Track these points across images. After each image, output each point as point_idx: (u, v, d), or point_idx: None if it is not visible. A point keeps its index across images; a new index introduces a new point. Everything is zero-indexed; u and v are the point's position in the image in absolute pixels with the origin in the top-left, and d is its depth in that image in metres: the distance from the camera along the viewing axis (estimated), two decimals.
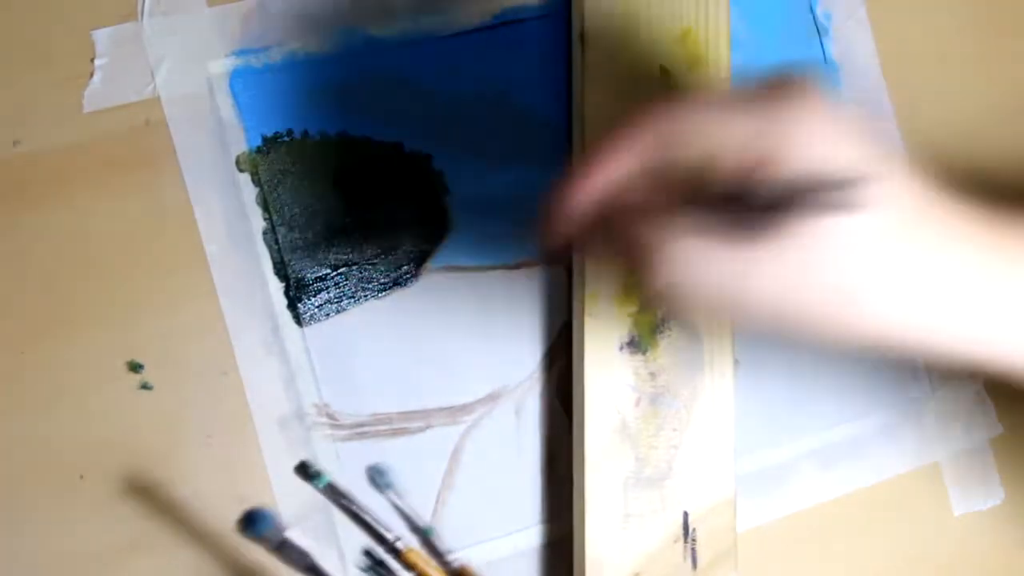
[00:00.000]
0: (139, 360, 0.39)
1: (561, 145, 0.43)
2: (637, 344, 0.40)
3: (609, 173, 0.30)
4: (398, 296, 0.41)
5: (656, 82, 0.41)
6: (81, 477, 0.38)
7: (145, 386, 0.39)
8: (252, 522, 0.29)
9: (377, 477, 0.33)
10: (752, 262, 0.28)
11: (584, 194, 0.31)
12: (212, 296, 0.40)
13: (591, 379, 0.40)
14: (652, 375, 0.41)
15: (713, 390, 0.41)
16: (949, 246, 0.29)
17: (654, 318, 0.41)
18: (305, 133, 0.41)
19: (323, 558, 0.39)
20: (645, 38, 0.41)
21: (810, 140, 0.28)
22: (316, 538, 0.40)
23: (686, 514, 0.41)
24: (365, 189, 0.41)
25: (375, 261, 0.41)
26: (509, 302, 0.42)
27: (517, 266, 0.42)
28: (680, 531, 0.41)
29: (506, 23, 0.43)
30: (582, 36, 0.41)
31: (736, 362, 0.42)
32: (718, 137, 0.28)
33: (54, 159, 0.39)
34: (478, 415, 0.42)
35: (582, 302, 0.40)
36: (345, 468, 0.40)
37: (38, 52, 0.39)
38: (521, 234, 0.40)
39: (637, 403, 0.40)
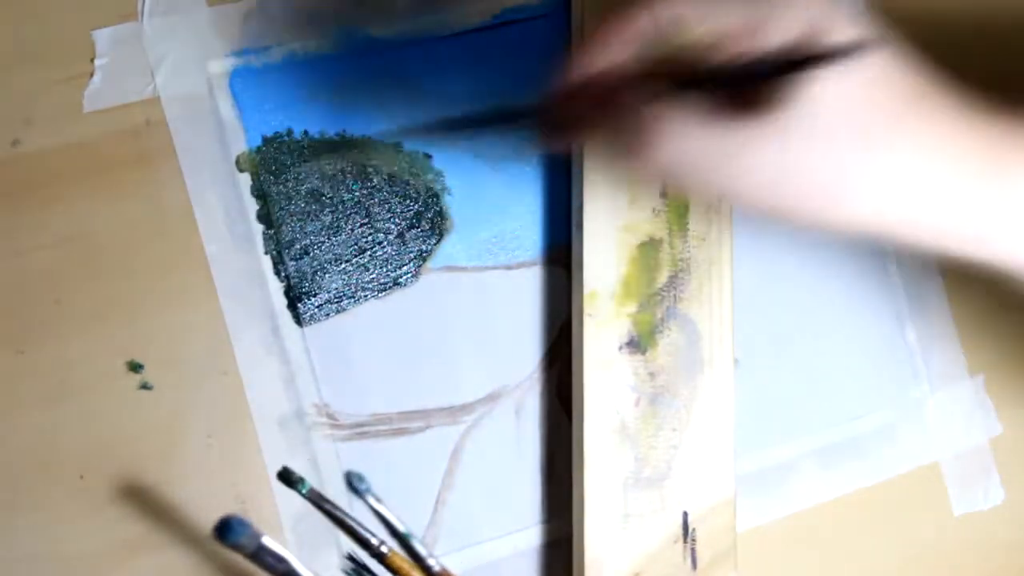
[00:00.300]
0: (139, 360, 0.39)
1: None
2: (636, 344, 0.40)
3: (609, 54, 0.31)
4: (398, 296, 0.41)
5: None
6: (81, 477, 0.38)
7: (145, 386, 0.39)
8: (226, 530, 0.29)
9: (356, 482, 0.33)
10: (745, 141, 0.28)
11: (584, 75, 0.31)
12: (212, 296, 0.40)
13: (590, 379, 0.40)
14: (651, 375, 0.41)
15: (713, 389, 0.41)
16: (937, 140, 0.29)
17: (653, 318, 0.41)
18: (305, 133, 0.41)
19: (323, 558, 0.40)
20: None
21: (807, 8, 0.28)
22: (315, 538, 0.40)
23: (686, 514, 0.41)
24: (365, 189, 0.41)
25: (375, 261, 0.41)
26: (509, 302, 0.42)
27: (517, 266, 0.42)
28: (680, 531, 0.40)
29: (506, 23, 0.43)
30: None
31: (736, 361, 0.42)
32: (714, 13, 0.29)
33: (54, 159, 0.39)
34: (478, 415, 0.42)
35: (581, 302, 0.40)
36: (345, 468, 0.40)
37: (38, 52, 0.39)
38: (524, 127, 0.39)
39: (637, 403, 0.40)
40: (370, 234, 0.41)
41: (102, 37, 0.39)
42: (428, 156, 0.42)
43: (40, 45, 0.39)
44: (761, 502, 0.44)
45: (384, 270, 0.41)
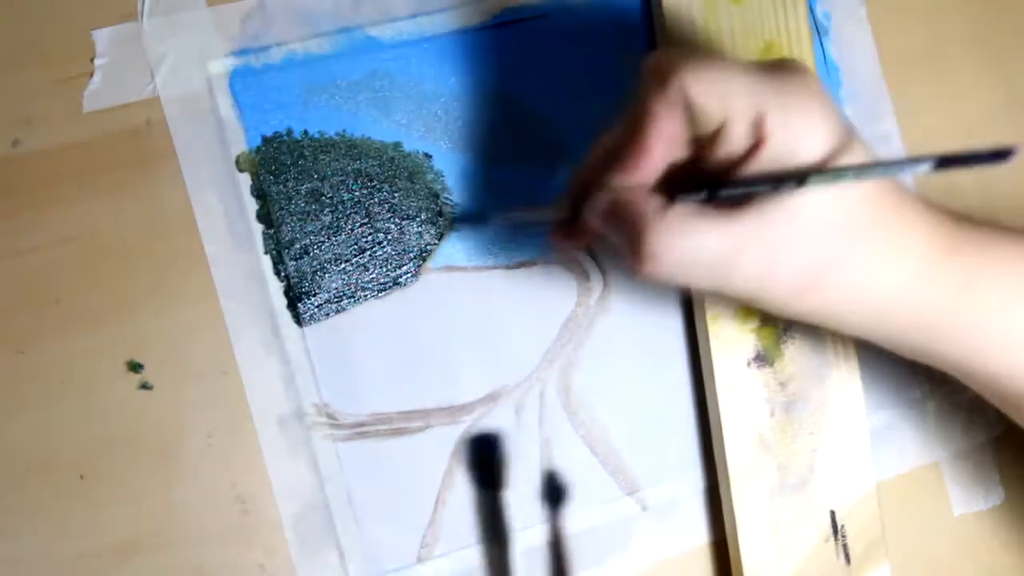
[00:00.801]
0: (139, 360, 0.39)
1: (561, 145, 0.43)
2: (763, 358, 0.41)
3: (642, 163, 0.31)
4: (398, 296, 0.41)
5: None
6: (81, 477, 0.38)
7: (145, 386, 0.39)
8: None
9: None
10: (738, 239, 0.29)
11: (644, 172, 0.31)
12: (212, 296, 0.40)
13: (724, 399, 0.41)
14: (782, 385, 0.42)
15: (841, 388, 0.42)
16: (912, 248, 0.31)
17: (777, 329, 0.42)
18: (305, 133, 0.41)
19: (323, 558, 0.40)
20: (728, 55, 0.41)
21: (809, 114, 0.29)
22: (315, 538, 0.40)
23: (833, 513, 0.42)
24: (365, 189, 0.41)
25: (375, 261, 0.41)
26: (509, 302, 0.42)
27: (517, 266, 0.42)
28: (829, 530, 0.42)
29: (506, 23, 0.43)
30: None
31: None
32: (724, 98, 0.29)
33: (54, 159, 0.39)
34: (478, 415, 0.42)
35: (706, 326, 0.41)
36: (345, 468, 0.40)
37: (38, 52, 0.39)
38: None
39: (771, 414, 0.41)
40: (370, 234, 0.41)
41: (102, 37, 0.39)
42: (428, 156, 0.42)
43: (40, 45, 0.39)
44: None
45: (384, 270, 0.41)
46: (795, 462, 0.41)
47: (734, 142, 0.30)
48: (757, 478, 0.41)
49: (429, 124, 0.42)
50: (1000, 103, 0.47)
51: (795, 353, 0.42)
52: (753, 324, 0.41)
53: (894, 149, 0.46)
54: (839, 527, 0.42)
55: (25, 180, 0.39)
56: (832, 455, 0.42)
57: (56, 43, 0.39)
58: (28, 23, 0.39)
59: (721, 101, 0.29)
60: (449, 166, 0.42)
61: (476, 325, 0.42)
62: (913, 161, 0.27)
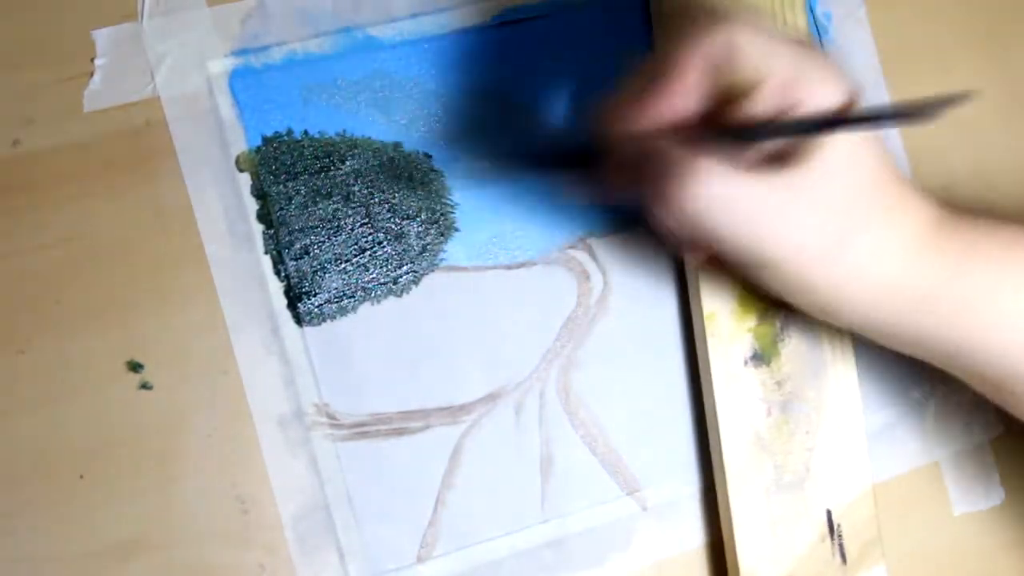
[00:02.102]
0: (139, 360, 0.39)
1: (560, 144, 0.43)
2: (760, 357, 0.41)
3: (674, 94, 0.32)
4: (398, 296, 0.41)
5: None
6: (81, 477, 0.38)
7: (145, 386, 0.39)
8: None
9: None
10: (774, 194, 0.30)
11: (673, 111, 0.32)
12: (212, 296, 0.40)
13: (721, 398, 0.41)
14: (778, 384, 0.42)
15: (838, 387, 0.42)
16: (904, 228, 0.33)
17: (774, 328, 0.42)
18: (305, 133, 0.41)
19: (323, 558, 0.40)
20: None
21: (834, 85, 0.31)
22: (315, 538, 0.40)
23: (829, 512, 0.42)
24: (365, 189, 0.41)
25: (375, 261, 0.41)
26: (509, 302, 0.42)
27: (517, 266, 0.42)
28: (825, 529, 0.42)
29: (506, 23, 0.43)
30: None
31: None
32: (767, 58, 0.31)
33: (54, 159, 0.39)
34: (478, 415, 0.42)
35: (703, 324, 0.41)
36: (345, 468, 0.40)
37: (38, 52, 0.39)
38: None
39: (768, 413, 0.41)
40: (370, 234, 0.41)
41: (102, 37, 0.39)
42: (428, 156, 0.42)
43: (40, 45, 0.39)
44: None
45: (384, 270, 0.41)
46: (792, 461, 0.41)
47: (766, 101, 0.31)
48: (753, 477, 0.41)
49: (429, 124, 0.42)
50: (1000, 103, 0.47)
51: (792, 352, 0.42)
52: (750, 323, 0.41)
53: (894, 148, 0.46)
54: (835, 526, 0.42)
55: (25, 180, 0.39)
56: (828, 455, 0.42)
57: (56, 43, 0.39)
58: (28, 23, 0.39)
59: (764, 61, 0.31)
60: (449, 166, 0.42)
61: (476, 325, 0.42)
62: (929, 105, 0.28)
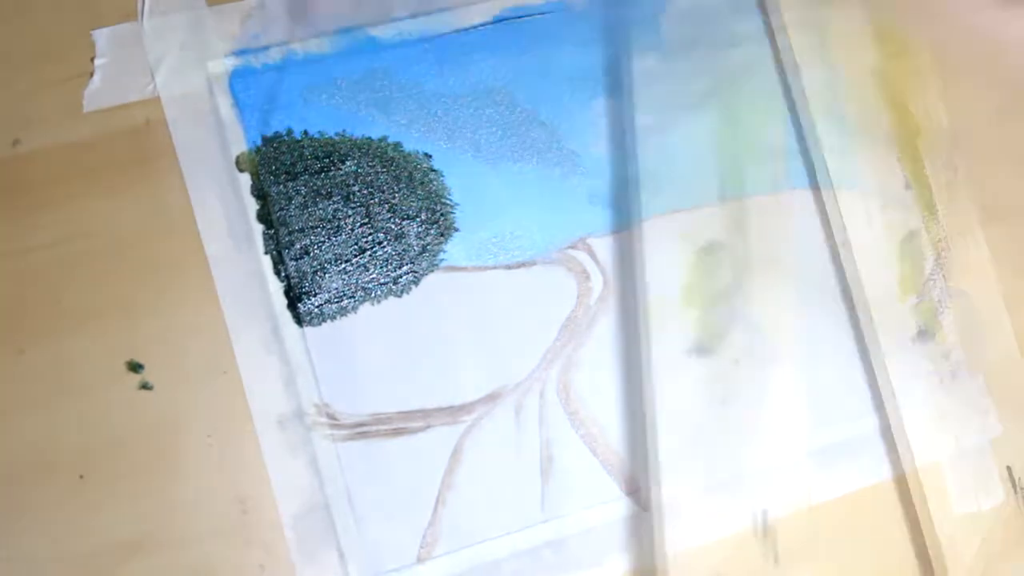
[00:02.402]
0: (139, 360, 0.39)
1: (560, 144, 0.43)
2: (925, 332, 0.43)
3: None
4: (398, 296, 0.41)
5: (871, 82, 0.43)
6: (81, 477, 0.38)
7: (145, 386, 0.39)
8: None
9: None
10: None
11: None
12: (212, 296, 0.40)
13: (897, 379, 0.43)
14: (945, 355, 0.44)
15: (998, 345, 0.44)
16: None
17: (932, 303, 0.43)
18: (305, 133, 0.41)
19: (323, 558, 0.40)
20: (849, 47, 0.43)
21: None
22: (315, 538, 0.40)
23: (1009, 468, 0.44)
24: (365, 189, 0.41)
25: (375, 261, 0.41)
26: (509, 302, 0.42)
27: (517, 266, 0.42)
28: (1009, 485, 0.44)
29: (506, 19, 0.43)
30: (796, 68, 0.43)
31: (736, 362, 0.42)
32: None
33: (54, 159, 0.39)
34: (478, 415, 0.42)
35: (869, 313, 0.43)
36: (345, 468, 0.40)
37: (38, 52, 0.39)
38: None
39: (941, 383, 0.43)
40: (370, 234, 0.41)
41: (102, 37, 0.39)
42: (428, 156, 0.42)
43: (40, 45, 0.39)
44: (761, 502, 0.44)
45: (384, 270, 0.41)
46: (969, 427, 0.44)
47: None
48: (938, 451, 0.43)
49: (429, 124, 0.42)
50: (1000, 102, 0.47)
51: (953, 323, 0.44)
52: (912, 301, 0.43)
53: None
54: (1017, 481, 0.44)
55: (25, 180, 0.39)
56: (1000, 413, 0.44)
57: (56, 43, 0.39)
58: (28, 23, 0.39)
59: None
60: (449, 166, 0.42)
61: (476, 325, 0.42)
62: None
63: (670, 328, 0.41)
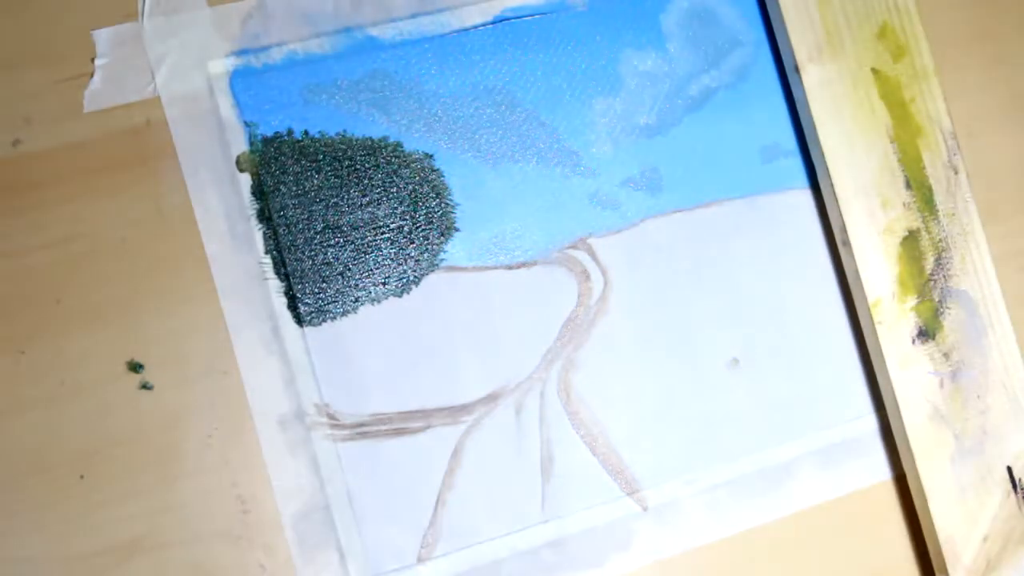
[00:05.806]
0: (139, 360, 0.39)
1: (560, 144, 0.43)
2: (926, 333, 0.43)
3: None
4: (398, 296, 0.41)
5: (872, 82, 0.44)
6: (81, 477, 0.38)
7: (145, 386, 0.39)
8: None
9: None
10: None
11: None
12: (212, 296, 0.40)
13: (897, 379, 0.42)
14: (946, 355, 0.43)
15: (999, 347, 0.44)
16: None
17: (933, 304, 0.43)
18: (305, 133, 0.41)
19: (323, 558, 0.40)
20: (850, 47, 0.43)
21: None
22: (315, 538, 0.40)
23: (1009, 468, 0.43)
24: (365, 189, 0.41)
25: (375, 261, 0.41)
26: (509, 302, 0.42)
27: (517, 266, 0.42)
28: (1008, 485, 0.43)
29: (506, 19, 0.43)
30: (796, 68, 0.43)
31: (735, 361, 0.42)
32: None
33: (54, 159, 0.39)
34: (478, 415, 0.42)
35: (869, 313, 0.42)
36: (345, 468, 0.40)
37: (38, 52, 0.39)
38: None
39: (941, 385, 0.43)
40: (370, 234, 0.41)
41: (102, 37, 0.39)
42: (428, 156, 0.42)
43: (40, 45, 0.39)
44: (761, 502, 0.44)
45: (384, 270, 0.41)
46: (969, 427, 0.43)
47: None
48: (937, 449, 0.42)
49: (429, 124, 0.42)
50: (1001, 102, 0.47)
51: (953, 323, 0.43)
52: (912, 302, 0.43)
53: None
54: (1018, 480, 0.43)
55: (25, 180, 0.39)
56: (1000, 414, 0.43)
57: (56, 43, 0.39)
58: (28, 23, 0.39)
59: None
60: (449, 166, 0.42)
61: (476, 325, 0.42)
62: None
63: (893, 322, 0.43)
